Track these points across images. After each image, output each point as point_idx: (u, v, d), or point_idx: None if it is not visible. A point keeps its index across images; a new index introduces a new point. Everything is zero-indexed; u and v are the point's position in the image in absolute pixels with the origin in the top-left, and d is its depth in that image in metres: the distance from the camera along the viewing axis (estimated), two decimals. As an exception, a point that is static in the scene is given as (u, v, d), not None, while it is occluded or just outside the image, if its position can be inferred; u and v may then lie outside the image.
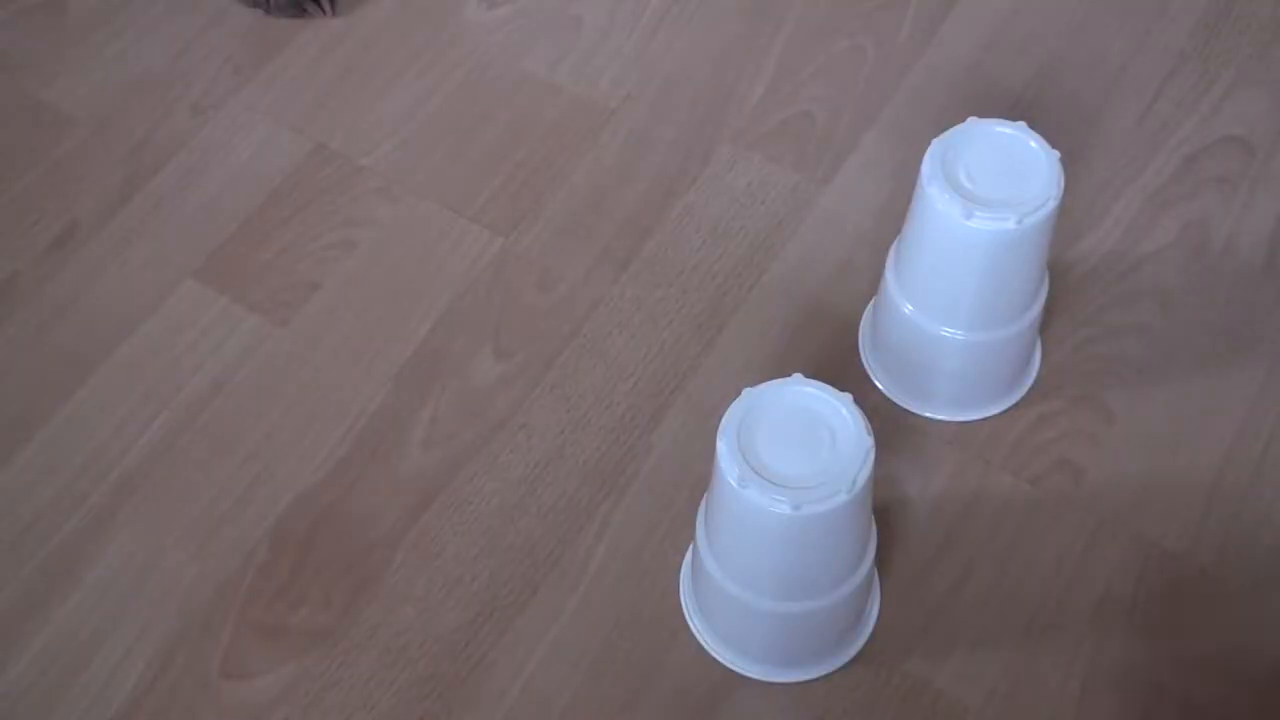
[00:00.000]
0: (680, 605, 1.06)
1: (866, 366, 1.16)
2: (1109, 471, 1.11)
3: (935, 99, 1.31)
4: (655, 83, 1.34)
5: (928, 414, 1.14)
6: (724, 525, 0.95)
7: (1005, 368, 1.13)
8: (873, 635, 1.04)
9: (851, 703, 1.02)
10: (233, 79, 1.35)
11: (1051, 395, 1.15)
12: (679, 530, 1.09)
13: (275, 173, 1.29)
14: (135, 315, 1.21)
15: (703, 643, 1.04)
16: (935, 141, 1.01)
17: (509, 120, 1.32)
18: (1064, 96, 1.31)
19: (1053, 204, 0.99)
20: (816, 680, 1.02)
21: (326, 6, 1.38)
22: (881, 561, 1.05)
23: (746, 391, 0.92)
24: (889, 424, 1.12)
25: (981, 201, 0.99)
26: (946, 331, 1.07)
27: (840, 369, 1.16)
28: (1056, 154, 1.00)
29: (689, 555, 1.07)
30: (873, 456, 0.89)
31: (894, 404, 1.14)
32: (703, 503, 1.00)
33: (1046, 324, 1.16)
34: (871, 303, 1.17)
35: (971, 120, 1.02)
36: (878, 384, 1.15)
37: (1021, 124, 1.02)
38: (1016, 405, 1.14)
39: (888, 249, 1.11)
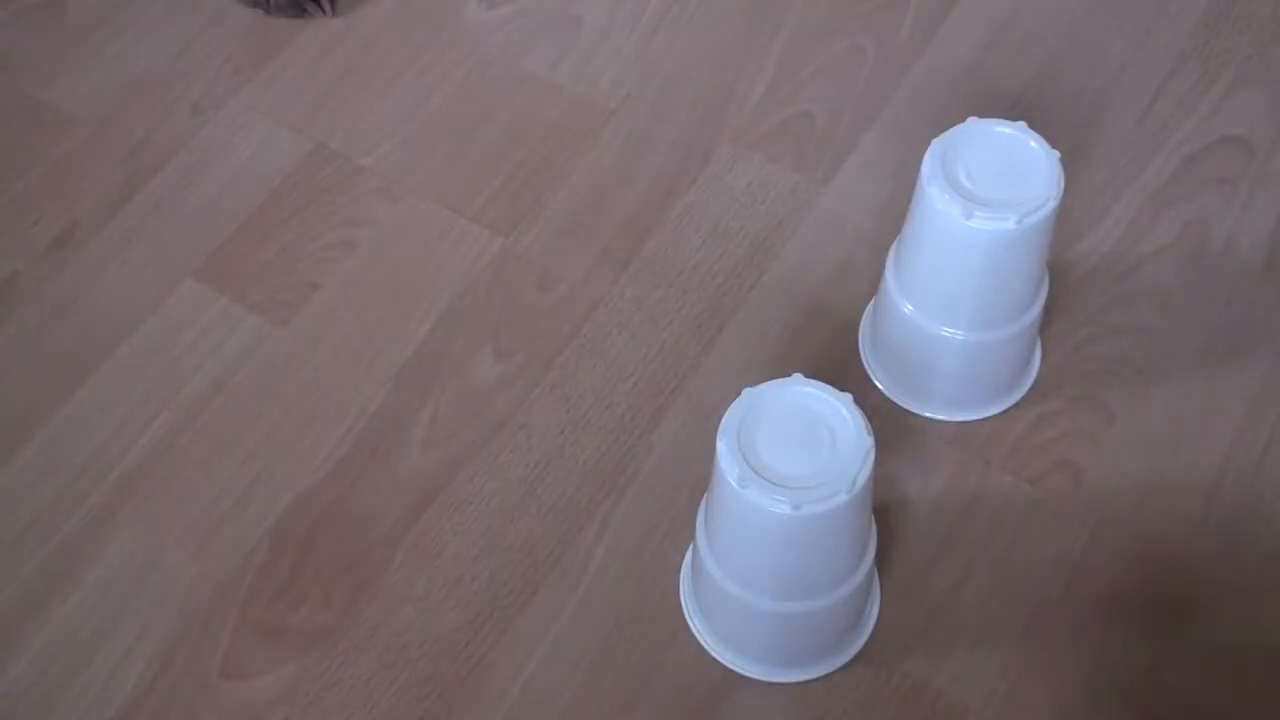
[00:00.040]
0: (680, 605, 1.06)
1: (866, 366, 1.16)
2: (1109, 471, 1.11)
3: (935, 99, 1.31)
4: (655, 83, 1.34)
5: (928, 414, 1.14)
6: (724, 525, 0.95)
7: (1005, 368, 1.13)
8: (873, 635, 1.04)
9: (851, 703, 1.02)
10: (233, 79, 1.35)
11: (1051, 395, 1.15)
12: (679, 530, 1.09)
13: (275, 173, 1.29)
14: (135, 315, 1.21)
15: (703, 643, 1.04)
16: (935, 141, 1.01)
17: (509, 120, 1.32)
18: (1064, 96, 1.31)
19: (1053, 204, 0.99)
20: (816, 680, 1.02)
21: (326, 6, 1.38)
22: (881, 561, 1.05)
23: (746, 391, 0.92)
24: (889, 424, 1.12)
25: (981, 201, 0.99)
26: (946, 331, 1.07)
27: (840, 369, 1.16)
28: (1056, 154, 1.00)
29: (689, 555, 1.07)
30: (873, 456, 0.89)
31: (894, 404, 1.14)
32: (703, 503, 1.00)
33: (1046, 324, 1.16)
34: (871, 303, 1.17)
35: (971, 120, 1.02)
36: (878, 384, 1.15)
37: (1021, 124, 1.02)
38: (1016, 405, 1.14)
39: (888, 249, 1.11)
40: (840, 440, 0.90)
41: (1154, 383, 1.15)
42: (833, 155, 1.29)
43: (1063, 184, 0.99)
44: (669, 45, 1.36)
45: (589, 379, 1.16)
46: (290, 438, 1.14)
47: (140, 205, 1.27)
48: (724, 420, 0.90)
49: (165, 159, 1.30)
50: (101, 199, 1.27)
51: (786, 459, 0.89)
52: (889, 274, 1.10)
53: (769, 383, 0.92)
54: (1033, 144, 1.01)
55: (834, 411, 0.91)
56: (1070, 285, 1.19)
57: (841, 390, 0.91)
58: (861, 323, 1.18)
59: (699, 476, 1.07)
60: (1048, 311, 1.13)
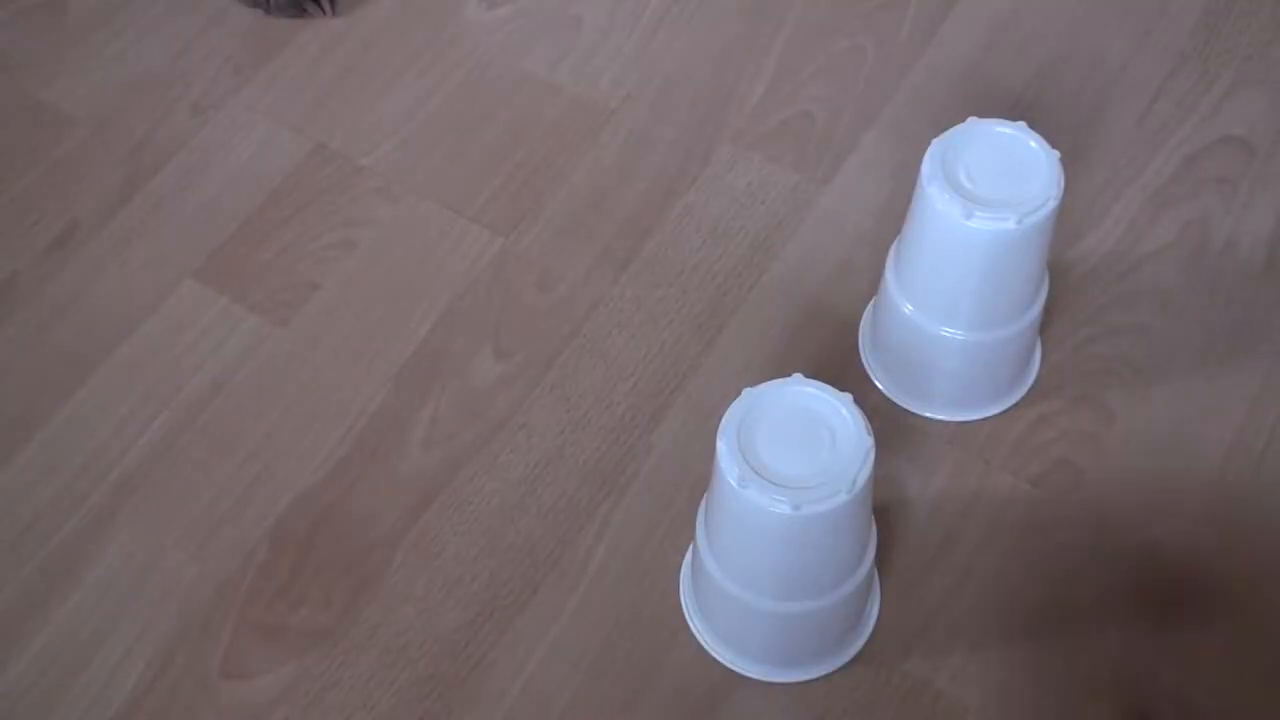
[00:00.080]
0: (680, 605, 1.06)
1: (866, 366, 1.16)
2: (1109, 471, 1.11)
3: (935, 99, 1.31)
4: (655, 83, 1.34)
5: (928, 414, 1.14)
6: (724, 525, 0.95)
7: (1005, 368, 1.12)
8: (873, 635, 1.04)
9: (851, 703, 1.02)
10: (233, 79, 1.35)
11: (1051, 395, 1.15)
12: (679, 530, 1.09)
13: (275, 173, 1.29)
14: (135, 315, 1.21)
15: (703, 643, 1.04)
16: (935, 141, 1.01)
17: (509, 120, 1.32)
18: (1064, 96, 1.31)
19: (1053, 204, 0.99)
20: (816, 680, 1.02)
21: (326, 6, 1.38)
22: (881, 561, 1.05)
23: (746, 391, 0.92)
24: (889, 424, 1.12)
25: (981, 201, 0.99)
26: (946, 331, 1.07)
27: (840, 369, 1.16)
28: (1056, 154, 1.00)
29: (689, 555, 1.07)
30: (873, 456, 0.89)
31: (894, 404, 1.14)
32: (703, 503, 1.00)
33: (1046, 324, 1.16)
34: (871, 303, 1.17)
35: (971, 120, 1.02)
36: (878, 384, 1.15)
37: (1021, 124, 1.02)
38: (1016, 405, 1.14)
39: (888, 249, 1.11)
40: (840, 440, 0.90)
41: (1154, 383, 1.15)
42: (833, 155, 1.29)
43: (1063, 184, 0.99)
44: (669, 45, 1.36)
45: (589, 379, 1.16)
46: (290, 438, 1.14)
47: (140, 205, 1.27)
48: (724, 420, 0.90)
49: (165, 159, 1.30)
50: (101, 199, 1.27)
51: (786, 459, 0.89)
52: (889, 274, 1.10)
53: (769, 383, 0.92)
54: (1033, 144, 1.01)
55: (834, 411, 0.91)
56: (1070, 285, 1.19)
57: (841, 390, 0.91)
58: (861, 323, 1.18)
59: (699, 476, 1.07)
60: (1048, 311, 1.13)
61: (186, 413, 1.15)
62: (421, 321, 1.20)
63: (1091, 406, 1.14)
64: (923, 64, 1.34)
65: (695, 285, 1.21)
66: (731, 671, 1.03)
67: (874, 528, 0.99)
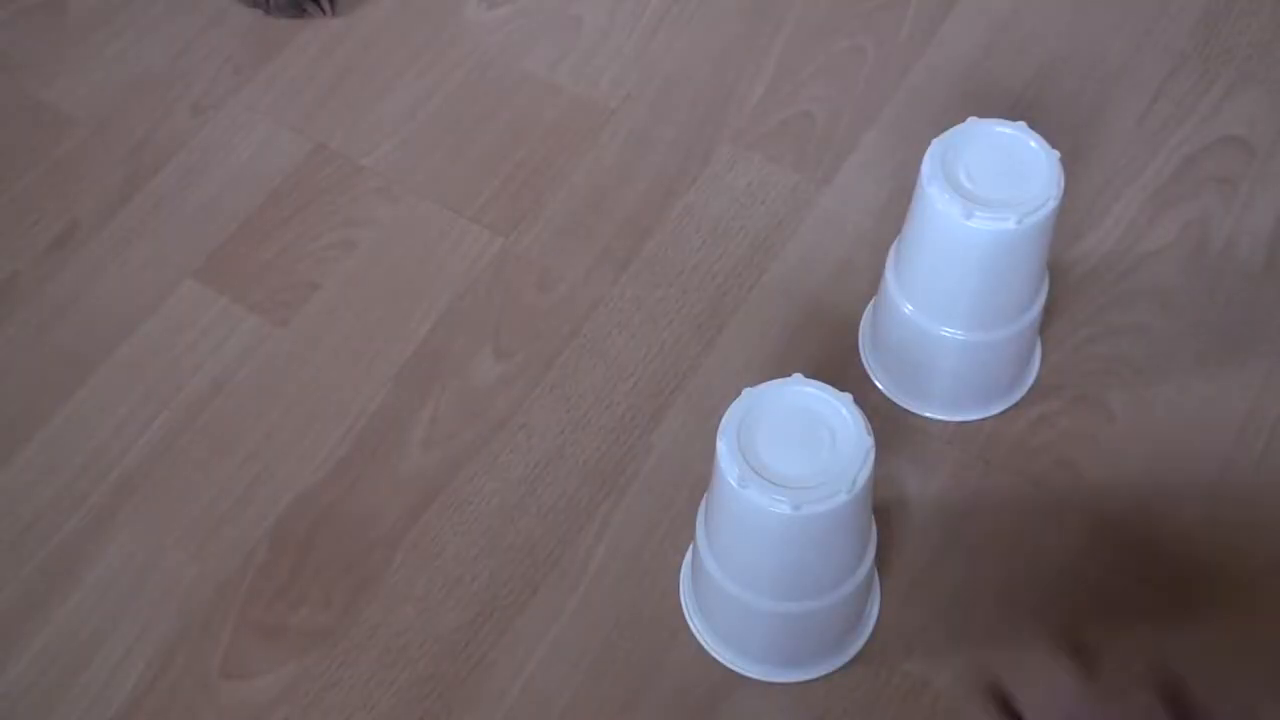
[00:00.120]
0: (680, 605, 1.06)
1: (866, 366, 1.16)
2: (1109, 471, 1.11)
3: (935, 99, 1.31)
4: (655, 83, 1.34)
5: (928, 414, 1.14)
6: (724, 525, 0.95)
7: (1005, 368, 1.12)
8: (873, 635, 1.04)
9: (851, 703, 1.02)
10: (233, 79, 1.35)
11: (1051, 395, 1.14)
12: (679, 530, 1.09)
13: (275, 173, 1.29)
14: (135, 315, 1.21)
15: (703, 643, 1.04)
16: (935, 141, 1.01)
17: (509, 120, 1.32)
18: (1064, 96, 1.31)
19: (1053, 204, 0.99)
20: (816, 680, 1.02)
21: (326, 6, 1.38)
22: (881, 561, 1.05)
23: (746, 391, 0.92)
24: (889, 424, 1.12)
25: (981, 201, 0.99)
26: (946, 331, 1.07)
27: (840, 369, 1.16)
28: (1056, 154, 1.00)
29: (689, 555, 1.07)
30: (873, 456, 0.89)
31: (894, 404, 1.14)
32: (703, 503, 1.00)
33: (1046, 324, 1.16)
34: (871, 303, 1.17)
35: (971, 120, 1.02)
36: (878, 384, 1.15)
37: (1021, 124, 1.02)
38: (1016, 405, 1.14)
39: (888, 249, 1.11)
40: (840, 440, 0.90)
41: (1154, 383, 1.15)
42: (833, 155, 1.29)
43: (1063, 184, 0.99)
44: (669, 45, 1.36)
45: (589, 379, 1.16)
46: (290, 438, 1.14)
47: (140, 205, 1.27)
48: (724, 420, 0.90)
49: (165, 159, 1.30)
50: (101, 199, 1.27)
51: (786, 459, 0.89)
52: (889, 274, 1.10)
53: (769, 383, 0.92)
54: (1033, 144, 1.01)
55: (834, 411, 0.91)
56: (1070, 285, 1.19)
57: (841, 390, 0.91)
58: (861, 323, 1.18)
59: (699, 476, 1.07)
60: (1048, 311, 1.13)
61: (186, 413, 1.15)
62: (421, 321, 1.20)
63: (1091, 406, 1.14)
64: (923, 64, 1.34)
65: (695, 285, 1.21)
66: (731, 671, 1.03)
67: (874, 528, 0.99)
